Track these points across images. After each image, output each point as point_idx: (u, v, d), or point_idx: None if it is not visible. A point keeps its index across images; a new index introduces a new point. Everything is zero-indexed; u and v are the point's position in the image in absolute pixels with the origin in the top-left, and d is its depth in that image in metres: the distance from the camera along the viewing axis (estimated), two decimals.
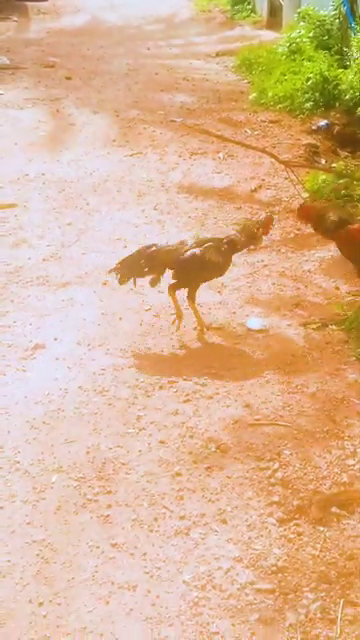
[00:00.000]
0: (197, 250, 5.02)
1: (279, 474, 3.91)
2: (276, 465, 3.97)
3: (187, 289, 5.11)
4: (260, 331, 5.22)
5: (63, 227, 6.63)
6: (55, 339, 5.05)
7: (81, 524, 3.62)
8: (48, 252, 6.18)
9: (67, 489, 3.81)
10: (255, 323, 5.30)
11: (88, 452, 4.05)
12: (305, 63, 9.81)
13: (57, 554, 3.46)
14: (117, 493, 3.79)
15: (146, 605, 3.23)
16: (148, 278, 5.09)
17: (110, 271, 5.12)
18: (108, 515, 3.67)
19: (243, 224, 5.32)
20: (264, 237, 5.40)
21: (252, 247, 5.59)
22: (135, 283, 5.12)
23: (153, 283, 5.09)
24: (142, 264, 5.05)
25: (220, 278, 5.69)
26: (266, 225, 5.32)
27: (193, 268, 5.03)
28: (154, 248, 5.08)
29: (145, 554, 3.47)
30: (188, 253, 5.02)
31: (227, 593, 3.29)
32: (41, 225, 6.64)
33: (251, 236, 5.19)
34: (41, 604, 3.23)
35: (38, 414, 4.33)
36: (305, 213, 5.55)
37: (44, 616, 3.18)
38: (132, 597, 3.26)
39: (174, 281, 5.09)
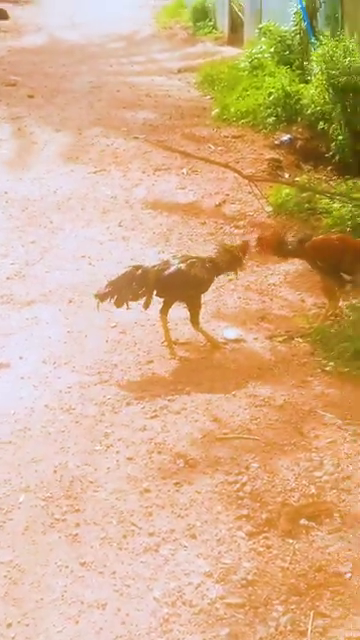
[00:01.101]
0: (182, 265, 5.04)
1: (248, 487, 3.91)
2: (244, 478, 3.97)
3: (189, 310, 5.18)
4: (236, 340, 5.24)
5: (27, 245, 6.61)
6: (20, 358, 5.02)
7: (49, 544, 3.58)
8: (12, 270, 6.15)
9: (35, 509, 3.77)
10: (231, 333, 5.32)
11: (55, 471, 4.02)
12: (267, 78, 9.90)
13: (25, 575, 3.42)
14: (85, 511, 3.76)
15: (116, 623, 3.20)
16: (141, 300, 5.09)
17: (100, 295, 5.03)
18: (77, 534, 3.64)
19: (222, 247, 5.33)
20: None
21: (231, 273, 5.49)
22: (128, 305, 5.08)
23: (146, 306, 5.09)
24: (134, 286, 5.04)
25: None
26: (242, 252, 5.34)
27: (178, 284, 5.04)
28: (142, 269, 5.07)
29: (114, 572, 3.44)
30: (173, 268, 5.03)
31: (197, 608, 3.27)
32: (4, 244, 6.61)
33: (233, 259, 5.24)
34: (9, 625, 3.19)
35: (4, 433, 4.29)
36: (265, 244, 5.53)
37: (13, 638, 3.14)
38: (102, 616, 3.23)
39: (162, 304, 5.13)
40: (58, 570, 3.44)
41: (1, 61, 13.50)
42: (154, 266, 5.14)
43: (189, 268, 5.05)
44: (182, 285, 5.08)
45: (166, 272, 5.04)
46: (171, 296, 5.13)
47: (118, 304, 5.04)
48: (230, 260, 5.24)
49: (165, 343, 5.14)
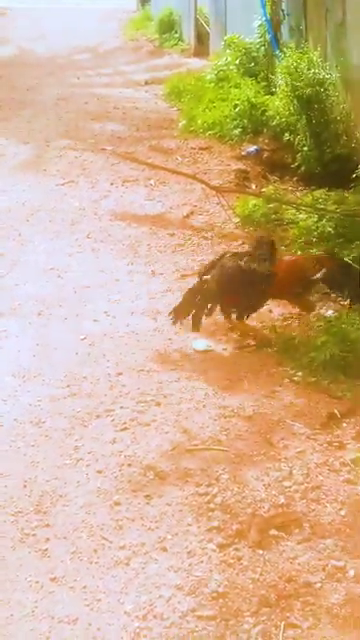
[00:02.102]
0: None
1: (218, 499, 3.91)
2: (215, 490, 3.97)
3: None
4: (205, 352, 5.26)
5: None
6: None
7: (19, 559, 3.56)
8: None
9: (4, 524, 3.75)
10: (200, 344, 5.33)
11: (25, 485, 4.00)
12: (232, 90, 9.97)
13: None
14: (55, 526, 3.75)
15: (87, 638, 3.19)
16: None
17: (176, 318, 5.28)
18: (47, 549, 3.62)
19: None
20: None
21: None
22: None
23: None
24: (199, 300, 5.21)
25: (156, 304, 5.74)
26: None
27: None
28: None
29: (85, 586, 3.43)
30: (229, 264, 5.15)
31: (169, 622, 3.27)
32: None
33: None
34: None
35: None
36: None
37: None
38: (72, 631, 3.22)
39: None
40: (28, 586, 3.42)
41: None
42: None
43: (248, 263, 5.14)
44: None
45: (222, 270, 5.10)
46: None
47: (195, 327, 5.27)
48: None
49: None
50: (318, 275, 5.25)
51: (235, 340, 5.40)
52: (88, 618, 3.27)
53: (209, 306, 5.21)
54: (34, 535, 3.69)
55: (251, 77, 10.14)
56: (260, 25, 10.14)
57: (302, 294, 5.34)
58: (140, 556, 3.59)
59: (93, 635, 3.19)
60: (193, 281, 6.13)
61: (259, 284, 5.21)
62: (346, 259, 5.39)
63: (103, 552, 3.61)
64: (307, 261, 5.48)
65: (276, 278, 5.22)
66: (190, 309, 5.28)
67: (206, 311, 5.26)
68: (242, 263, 5.14)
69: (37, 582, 3.44)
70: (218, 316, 5.66)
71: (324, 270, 5.23)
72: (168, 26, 16.12)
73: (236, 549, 3.62)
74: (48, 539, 3.67)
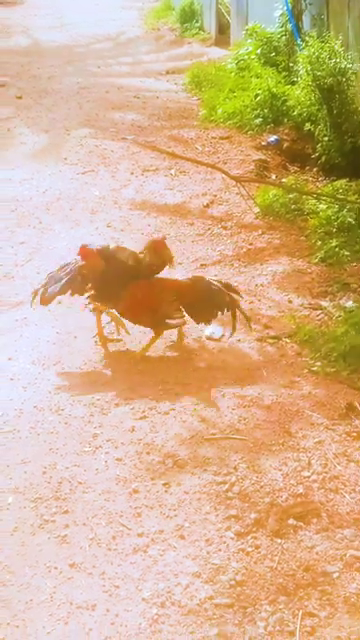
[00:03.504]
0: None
1: (236, 488, 3.92)
2: (233, 479, 3.98)
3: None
4: (219, 339, 5.26)
5: (16, 246, 6.61)
6: (9, 359, 5.02)
7: (38, 545, 3.59)
8: (1, 272, 6.15)
9: (23, 510, 3.78)
10: (212, 331, 5.35)
11: (44, 472, 4.03)
12: (253, 80, 9.92)
13: (14, 576, 3.42)
14: (74, 512, 3.77)
15: (105, 624, 3.21)
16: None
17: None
18: (65, 535, 3.64)
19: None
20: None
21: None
22: None
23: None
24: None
25: None
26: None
27: None
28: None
29: (104, 573, 3.45)
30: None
31: (186, 609, 3.28)
32: None
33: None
34: None
35: None
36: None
37: (2, 639, 3.14)
38: (91, 617, 3.24)
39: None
40: (47, 571, 3.45)
41: None
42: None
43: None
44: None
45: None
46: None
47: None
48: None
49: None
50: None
51: (254, 330, 5.39)
52: (106, 604, 3.30)
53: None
54: (53, 521, 3.71)
55: (272, 67, 10.10)
56: (282, 14, 10.10)
57: (155, 316, 5.10)
58: (158, 543, 3.60)
59: (111, 621, 3.22)
60: (213, 271, 6.17)
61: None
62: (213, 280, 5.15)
63: (121, 539, 3.63)
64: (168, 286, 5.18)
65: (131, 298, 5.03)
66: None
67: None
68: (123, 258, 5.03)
69: (56, 568, 3.47)
70: None
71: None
72: (189, 15, 16.05)
73: (254, 538, 3.63)
74: (67, 525, 3.69)
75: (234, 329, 5.08)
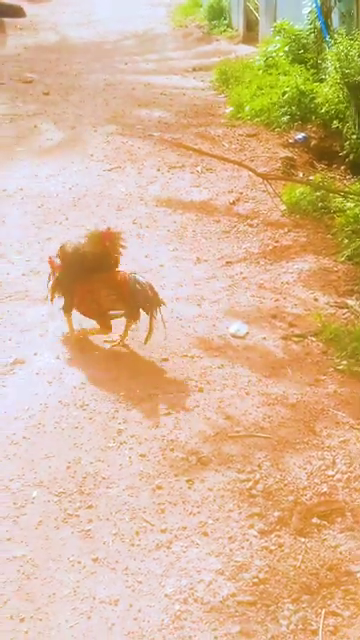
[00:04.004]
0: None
1: (260, 486, 3.92)
2: (257, 476, 3.98)
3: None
4: (243, 337, 5.25)
5: (42, 242, 6.63)
6: (35, 354, 5.04)
7: (62, 539, 3.60)
8: (27, 267, 6.17)
9: (48, 504, 3.79)
10: (238, 329, 5.34)
11: (69, 467, 4.04)
12: (281, 77, 9.89)
13: (38, 570, 3.44)
14: (98, 507, 3.78)
15: (128, 619, 3.22)
16: None
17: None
18: (89, 530, 3.66)
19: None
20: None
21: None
22: None
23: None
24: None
25: (200, 290, 5.74)
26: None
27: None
28: None
29: (127, 568, 3.46)
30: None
31: (209, 606, 3.28)
32: (20, 240, 6.63)
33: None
34: (22, 620, 3.21)
35: (18, 429, 4.32)
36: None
37: (25, 632, 3.16)
38: (114, 612, 3.25)
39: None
40: (71, 565, 3.47)
41: (17, 58, 13.54)
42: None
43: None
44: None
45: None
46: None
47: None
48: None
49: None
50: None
51: (279, 328, 5.37)
52: (129, 599, 3.30)
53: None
54: (77, 516, 3.73)
55: (300, 64, 10.05)
56: (310, 11, 10.05)
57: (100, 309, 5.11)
58: (181, 540, 3.61)
59: (134, 616, 3.22)
60: (238, 268, 6.16)
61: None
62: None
63: (145, 535, 3.63)
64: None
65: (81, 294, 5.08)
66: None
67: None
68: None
69: (79, 562, 3.48)
70: (260, 303, 5.66)
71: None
72: (217, 12, 16.03)
73: (277, 536, 3.63)
74: (91, 520, 3.70)
75: (150, 331, 4.95)
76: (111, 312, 5.12)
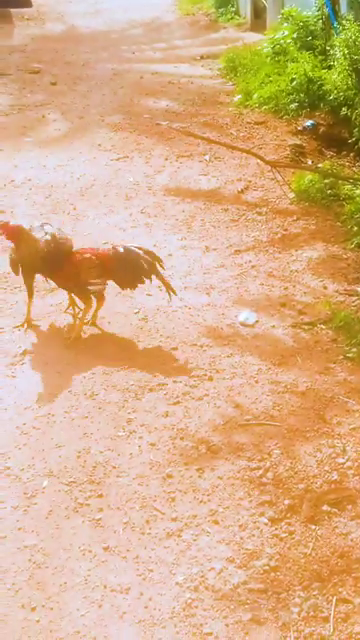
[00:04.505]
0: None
1: (270, 474, 3.92)
2: (267, 465, 3.98)
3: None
4: (253, 325, 5.24)
5: None
6: (44, 344, 5.04)
7: (73, 528, 3.61)
8: None
9: (58, 494, 3.80)
10: (247, 317, 5.33)
11: (79, 456, 4.05)
12: (289, 64, 9.81)
13: (49, 559, 3.45)
14: (108, 496, 3.79)
15: (139, 608, 3.23)
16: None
17: None
18: (100, 519, 3.67)
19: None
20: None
21: None
22: None
23: None
24: None
25: (209, 279, 5.73)
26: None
27: None
28: None
29: (137, 557, 3.47)
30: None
31: (220, 594, 3.29)
32: None
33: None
34: (34, 609, 3.22)
35: (28, 419, 4.33)
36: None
37: (37, 621, 3.17)
38: (125, 600, 3.26)
39: None
40: (82, 554, 3.48)
41: (24, 49, 13.49)
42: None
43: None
44: None
45: None
46: None
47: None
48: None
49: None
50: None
51: (288, 316, 5.36)
52: (140, 588, 3.31)
53: None
54: (88, 505, 3.74)
55: (308, 51, 9.97)
56: None
57: (85, 288, 5.16)
58: (192, 528, 3.61)
59: (145, 604, 3.23)
60: (247, 257, 6.14)
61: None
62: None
63: (155, 523, 3.64)
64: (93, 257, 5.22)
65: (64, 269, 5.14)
66: None
67: None
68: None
69: (90, 551, 3.49)
70: (269, 292, 5.65)
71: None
72: (224, 0, 15.92)
73: (288, 524, 3.63)
74: (101, 509, 3.71)
75: (168, 288, 5.16)
76: (90, 286, 5.14)
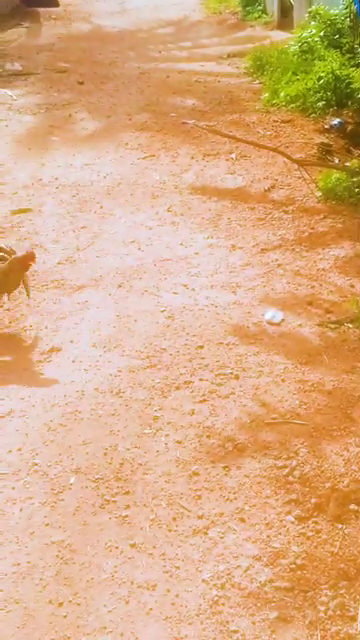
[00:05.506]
0: None
1: (297, 472, 3.91)
2: (294, 463, 3.97)
3: None
4: (279, 324, 5.23)
5: (77, 231, 6.66)
6: (71, 342, 5.07)
7: (100, 525, 3.63)
8: (63, 256, 6.21)
9: (85, 490, 3.83)
10: (274, 316, 5.32)
11: (106, 453, 4.07)
12: (316, 62, 9.77)
13: (76, 555, 3.47)
14: (135, 493, 3.81)
15: (166, 604, 3.24)
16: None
17: None
18: (126, 515, 3.68)
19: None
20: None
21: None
22: None
23: None
24: None
25: (235, 278, 5.74)
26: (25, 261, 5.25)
27: None
28: None
29: (164, 554, 3.48)
30: None
31: (246, 591, 3.29)
32: (56, 229, 6.67)
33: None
34: (61, 604, 3.25)
35: (55, 416, 4.36)
36: None
37: (64, 616, 3.20)
38: (151, 596, 3.27)
39: None
40: (108, 551, 3.49)
41: (51, 48, 13.56)
42: None
43: None
44: None
45: None
46: None
47: None
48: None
49: None
50: None
51: (315, 315, 5.34)
52: (167, 585, 3.32)
53: None
54: (114, 502, 3.75)
55: (336, 49, 9.93)
56: None
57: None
58: (218, 526, 3.62)
59: (172, 601, 3.24)
60: (274, 255, 6.13)
61: None
62: None
63: (182, 521, 3.65)
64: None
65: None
66: None
67: None
68: None
69: (117, 547, 3.51)
70: (296, 290, 5.63)
71: None
72: None
73: (315, 522, 3.62)
74: (128, 506, 3.73)
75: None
76: None
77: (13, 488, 3.87)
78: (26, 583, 3.35)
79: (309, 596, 3.26)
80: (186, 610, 3.21)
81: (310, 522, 3.63)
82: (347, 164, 7.77)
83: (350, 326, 5.21)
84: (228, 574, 3.37)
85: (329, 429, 4.24)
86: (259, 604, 3.23)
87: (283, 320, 5.29)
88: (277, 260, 6.11)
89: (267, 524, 3.62)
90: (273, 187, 7.50)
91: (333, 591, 3.28)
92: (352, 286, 5.70)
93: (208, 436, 4.19)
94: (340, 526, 3.60)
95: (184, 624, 3.15)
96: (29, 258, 5.22)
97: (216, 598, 3.26)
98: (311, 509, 3.69)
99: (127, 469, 3.96)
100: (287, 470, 3.93)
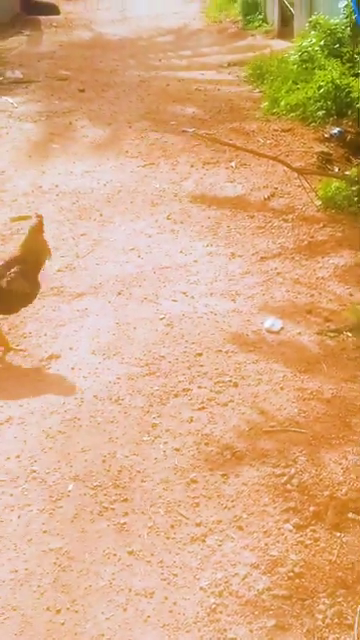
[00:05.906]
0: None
1: (295, 480, 3.91)
2: (292, 471, 3.97)
3: None
4: (278, 332, 5.24)
5: (77, 238, 6.67)
6: (70, 349, 5.08)
7: (98, 532, 3.63)
8: (62, 263, 6.22)
9: (83, 497, 3.82)
10: (272, 324, 5.33)
11: (104, 460, 4.07)
12: (316, 71, 9.81)
13: (74, 562, 3.47)
14: (133, 501, 3.80)
15: (163, 612, 3.23)
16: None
17: None
18: (124, 523, 3.68)
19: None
20: None
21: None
22: None
23: None
24: None
25: (235, 286, 5.75)
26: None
27: None
28: None
29: (162, 561, 3.47)
30: None
31: (244, 599, 3.29)
32: (55, 236, 6.66)
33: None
34: (59, 612, 3.24)
35: (54, 423, 4.36)
36: None
37: (62, 624, 3.19)
38: (149, 604, 3.27)
39: None
40: (106, 558, 3.49)
41: (52, 56, 13.62)
42: None
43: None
44: None
45: None
46: None
47: None
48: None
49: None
50: None
51: (314, 323, 5.35)
52: (164, 592, 3.32)
53: None
54: (112, 509, 3.75)
55: (336, 58, 9.97)
56: (346, 5, 9.96)
57: None
58: (216, 533, 3.61)
59: (169, 609, 3.24)
60: (273, 264, 6.14)
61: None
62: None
63: (180, 528, 3.65)
64: None
65: None
66: None
67: None
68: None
69: (115, 555, 3.50)
70: (295, 298, 5.64)
71: None
72: (252, 7, 15.94)
73: (313, 530, 3.62)
74: (126, 513, 3.72)
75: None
76: None
77: (11, 495, 3.86)
78: (24, 590, 3.34)
79: (307, 604, 3.26)
80: (184, 618, 3.20)
81: (308, 530, 3.62)
82: (347, 173, 7.80)
83: (349, 335, 5.22)
84: (226, 582, 3.36)
85: (328, 437, 4.24)
86: (257, 612, 3.23)
87: (282, 328, 5.29)
88: (276, 268, 6.12)
89: (265, 532, 3.61)
90: (273, 195, 7.52)
91: (331, 599, 3.27)
92: (351, 295, 5.71)
93: (206, 444, 4.19)
94: (338, 534, 3.60)
95: (182, 632, 3.15)
96: (39, 219, 5.17)
97: (214, 606, 3.25)
98: (309, 517, 3.69)
99: (125, 476, 3.96)
100: (285, 478, 3.92)
